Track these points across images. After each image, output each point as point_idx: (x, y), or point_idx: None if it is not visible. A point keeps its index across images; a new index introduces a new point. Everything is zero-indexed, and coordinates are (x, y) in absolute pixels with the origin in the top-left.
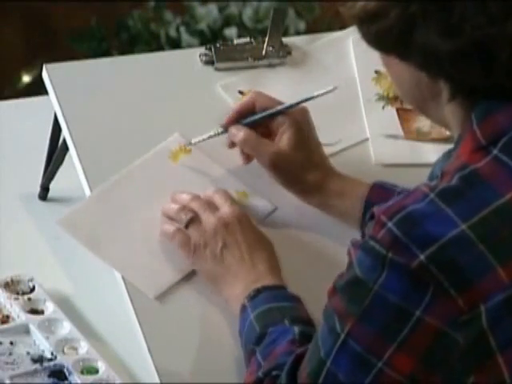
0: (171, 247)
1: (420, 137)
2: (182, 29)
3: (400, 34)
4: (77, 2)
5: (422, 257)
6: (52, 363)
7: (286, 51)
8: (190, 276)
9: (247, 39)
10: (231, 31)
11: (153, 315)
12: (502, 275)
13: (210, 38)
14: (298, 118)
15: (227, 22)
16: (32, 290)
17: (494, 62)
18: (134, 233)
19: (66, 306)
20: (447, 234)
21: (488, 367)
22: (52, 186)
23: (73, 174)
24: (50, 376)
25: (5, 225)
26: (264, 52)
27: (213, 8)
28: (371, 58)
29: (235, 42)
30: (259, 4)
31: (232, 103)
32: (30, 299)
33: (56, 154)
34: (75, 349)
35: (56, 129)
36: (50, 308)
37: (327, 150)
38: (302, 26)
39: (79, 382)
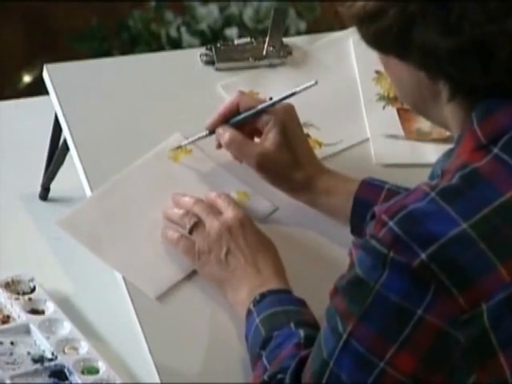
0: (172, 248)
1: (420, 137)
2: (183, 29)
3: (399, 33)
4: (77, 2)
5: (423, 256)
6: (52, 363)
7: (286, 51)
8: (190, 276)
9: (248, 39)
10: (232, 31)
11: (153, 315)
12: (503, 274)
13: (211, 38)
14: (283, 115)
15: (228, 22)
16: (32, 290)
17: (494, 60)
18: (134, 233)
19: (67, 306)
20: (448, 232)
21: (489, 366)
22: (53, 186)
23: (73, 174)
24: (50, 376)
25: (5, 225)
26: (265, 52)
27: (213, 8)
28: (372, 58)
29: (236, 42)
30: (260, 4)
31: None
32: (30, 299)
33: (57, 154)
34: (76, 349)
35: (57, 129)
36: (50, 308)
37: (328, 150)
38: (302, 26)
39: (80, 382)
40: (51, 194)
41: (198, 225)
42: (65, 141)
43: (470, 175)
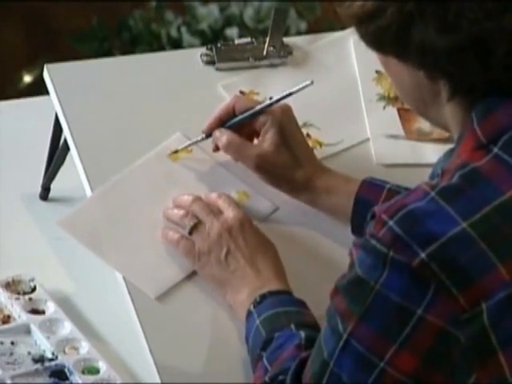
0: (172, 248)
1: (421, 137)
2: (183, 29)
3: (398, 32)
4: (78, 2)
5: (423, 255)
6: (53, 363)
7: (287, 51)
8: (191, 276)
9: (248, 39)
10: (232, 31)
11: (154, 315)
12: (503, 273)
13: (211, 38)
14: (280, 116)
15: (228, 22)
16: (33, 289)
17: (492, 58)
18: (134, 233)
19: (67, 305)
20: (448, 232)
21: (490, 365)
22: (53, 186)
23: (74, 174)
24: (50, 376)
25: (6, 225)
26: (265, 52)
27: (214, 8)
28: (372, 58)
29: (236, 42)
30: (260, 4)
31: None
32: (31, 299)
33: (57, 153)
34: (76, 349)
35: (57, 129)
36: (51, 308)
37: (328, 150)
38: (303, 26)
39: (80, 382)
40: (52, 194)
41: (197, 225)
42: (65, 141)
43: (470, 174)
